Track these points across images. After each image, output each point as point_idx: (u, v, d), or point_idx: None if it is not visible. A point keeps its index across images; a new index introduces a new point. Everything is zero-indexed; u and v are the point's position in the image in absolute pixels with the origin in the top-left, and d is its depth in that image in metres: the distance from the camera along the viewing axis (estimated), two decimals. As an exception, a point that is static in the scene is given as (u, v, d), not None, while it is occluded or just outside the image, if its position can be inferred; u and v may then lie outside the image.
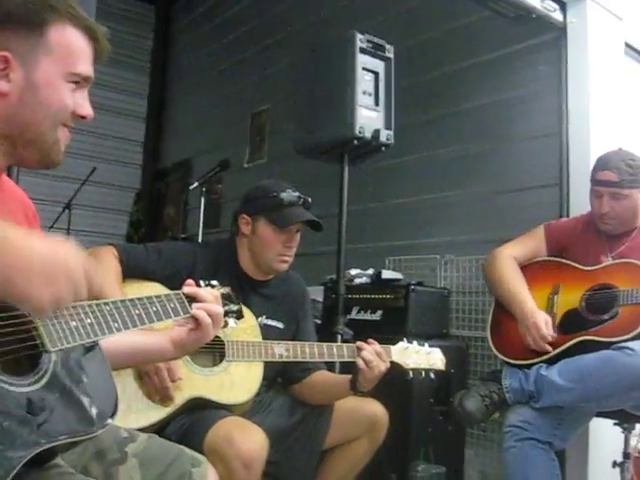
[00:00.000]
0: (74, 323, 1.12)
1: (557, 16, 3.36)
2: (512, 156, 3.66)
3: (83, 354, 1.19)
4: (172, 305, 1.42)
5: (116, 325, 1.23)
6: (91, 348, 1.21)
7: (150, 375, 1.97)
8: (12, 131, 1.21)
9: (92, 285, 1.05)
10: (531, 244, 2.74)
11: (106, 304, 1.23)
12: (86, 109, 1.28)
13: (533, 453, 2.35)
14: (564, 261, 2.63)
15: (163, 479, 1.39)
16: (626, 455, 2.59)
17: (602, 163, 2.59)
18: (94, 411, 1.15)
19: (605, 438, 2.96)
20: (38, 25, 1.20)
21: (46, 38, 1.21)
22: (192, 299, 1.48)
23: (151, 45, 7.76)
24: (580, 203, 3.03)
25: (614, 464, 2.61)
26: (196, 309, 1.47)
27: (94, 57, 1.28)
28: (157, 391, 1.99)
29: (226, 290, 1.65)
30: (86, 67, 1.26)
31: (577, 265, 2.58)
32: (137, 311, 1.30)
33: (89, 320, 1.16)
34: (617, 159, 2.57)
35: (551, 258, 2.69)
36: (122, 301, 1.28)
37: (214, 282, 1.61)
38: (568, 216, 3.15)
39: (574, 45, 3.37)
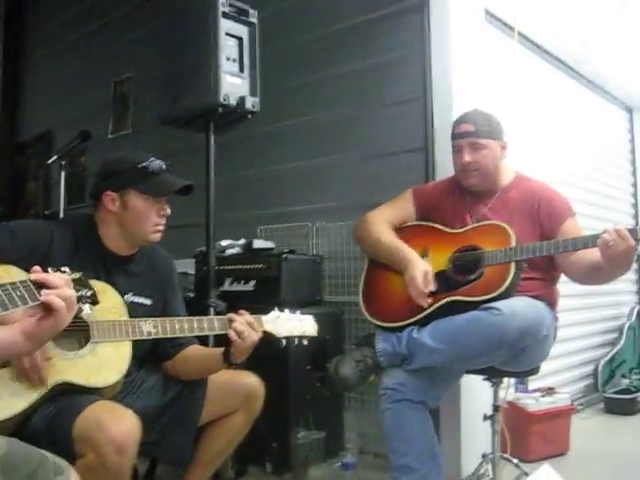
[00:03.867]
0: None
1: (419, -18, 3.41)
2: (380, 121, 3.69)
3: None
4: (19, 293, 1.32)
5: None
6: None
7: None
8: None
9: None
10: (400, 208, 2.78)
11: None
12: None
13: (408, 413, 2.41)
14: (431, 224, 2.69)
15: None
16: (495, 408, 2.71)
17: (460, 119, 2.67)
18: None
19: (475, 393, 3.09)
20: None
21: None
22: (40, 286, 1.38)
23: (2, 13, 7.26)
24: (445, 166, 3.10)
25: (485, 417, 2.73)
26: (45, 295, 1.37)
27: None
28: (27, 372, 1.87)
29: (77, 275, 1.56)
30: None
31: (444, 228, 2.64)
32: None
33: None
34: (473, 113, 2.65)
35: (419, 222, 2.75)
36: None
37: (64, 268, 1.51)
38: (434, 180, 3.23)
39: (436, 11, 3.42)
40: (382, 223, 2.70)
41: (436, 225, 2.67)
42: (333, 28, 3.92)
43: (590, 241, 2.26)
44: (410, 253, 2.55)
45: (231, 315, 2.14)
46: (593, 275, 2.43)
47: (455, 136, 2.64)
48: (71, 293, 1.43)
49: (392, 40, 3.65)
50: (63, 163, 3.78)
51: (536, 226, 2.57)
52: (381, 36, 3.71)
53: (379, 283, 2.66)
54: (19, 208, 6.88)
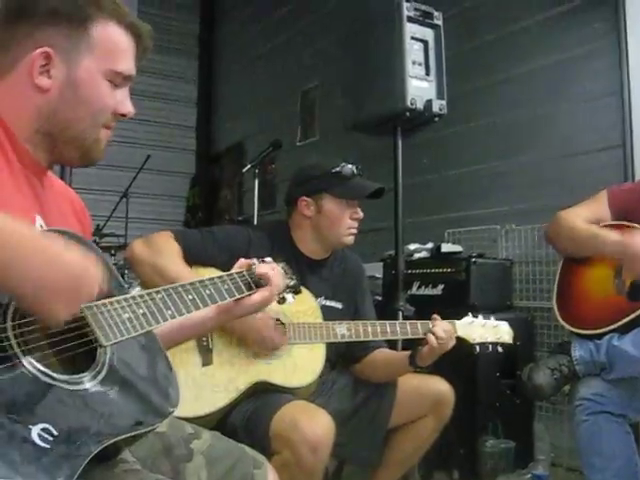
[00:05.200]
0: (127, 315, 1.11)
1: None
2: (571, 119, 3.53)
3: (139, 344, 1.18)
4: (226, 287, 1.42)
5: (169, 312, 1.22)
6: (147, 337, 1.20)
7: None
8: (52, 128, 1.19)
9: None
10: (595, 209, 2.62)
11: (157, 292, 1.21)
12: (127, 107, 1.26)
13: (607, 427, 2.26)
14: (632, 224, 2.51)
15: None
16: None
17: None
18: (156, 401, 1.14)
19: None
20: (82, 21, 1.18)
21: (89, 35, 1.18)
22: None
23: (197, 29, 7.76)
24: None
25: None
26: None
27: (137, 55, 1.25)
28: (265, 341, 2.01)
29: (281, 264, 1.64)
30: (128, 65, 1.23)
31: None
32: (190, 296, 1.29)
33: (141, 310, 1.15)
34: None
35: (618, 222, 2.58)
36: (174, 287, 1.26)
37: (267, 258, 1.59)
38: (633, 179, 3.03)
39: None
40: (578, 218, 2.56)
41: (635, 225, 2.49)
42: (517, 26, 3.80)
43: None
44: (616, 235, 2.36)
45: (435, 316, 2.13)
46: None
47: None
48: (280, 278, 1.56)
49: (583, 33, 3.48)
50: (256, 171, 3.96)
51: None
52: (571, 30, 3.55)
53: (575, 286, 2.52)
54: (213, 215, 7.31)
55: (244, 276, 1.49)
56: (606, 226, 2.56)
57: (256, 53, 6.58)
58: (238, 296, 1.46)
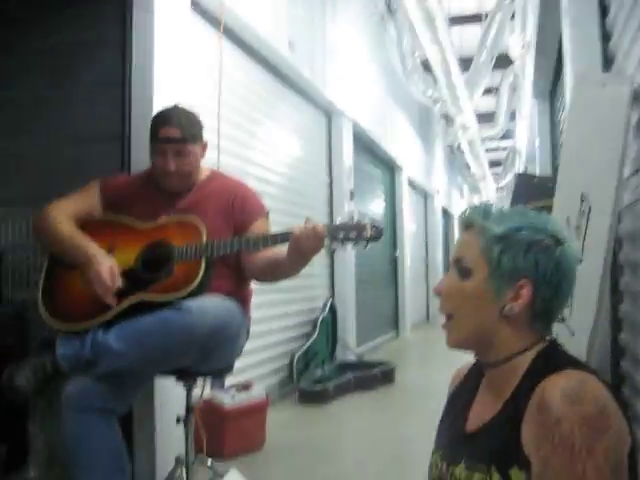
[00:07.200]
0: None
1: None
2: (72, 105, 3.37)
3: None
4: None
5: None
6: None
7: None
8: None
9: None
10: (85, 201, 2.56)
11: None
12: None
13: (93, 423, 2.21)
14: (119, 219, 2.50)
15: None
16: (188, 409, 2.61)
17: (164, 119, 2.51)
18: None
19: (170, 394, 2.98)
20: None
21: None
22: None
23: None
24: (141, 159, 2.94)
25: (177, 420, 2.62)
26: None
27: None
28: None
29: None
30: None
31: (133, 223, 2.47)
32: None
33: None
34: (178, 115, 2.52)
35: (106, 217, 2.55)
36: None
37: None
38: (129, 171, 3.05)
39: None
40: (63, 216, 2.45)
41: (124, 220, 2.49)
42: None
43: (282, 238, 2.26)
44: (93, 248, 2.34)
45: None
46: (270, 272, 2.44)
47: (159, 139, 2.48)
48: None
49: (93, 19, 3.37)
50: None
51: (230, 222, 2.53)
52: (81, 12, 3.39)
53: (61, 281, 2.41)
54: None
55: None
56: (96, 221, 2.52)
57: None
58: None
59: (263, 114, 5.21)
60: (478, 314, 1.27)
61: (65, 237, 2.39)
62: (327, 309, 6.27)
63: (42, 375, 2.25)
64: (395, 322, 10.46)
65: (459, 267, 1.29)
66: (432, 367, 6.98)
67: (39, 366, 2.26)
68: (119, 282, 2.28)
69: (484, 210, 1.30)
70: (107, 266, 2.27)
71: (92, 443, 2.21)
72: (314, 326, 6.02)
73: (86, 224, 2.49)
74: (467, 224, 1.32)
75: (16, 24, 3.47)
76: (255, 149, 5.01)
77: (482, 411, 1.30)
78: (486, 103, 14.68)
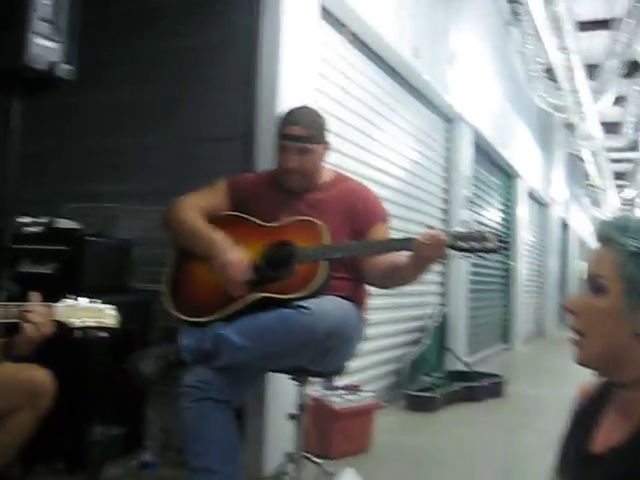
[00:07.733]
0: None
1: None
2: (199, 105, 3.52)
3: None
4: None
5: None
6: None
7: None
8: None
9: None
10: (213, 197, 2.65)
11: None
12: None
13: (210, 413, 2.28)
14: (245, 216, 2.58)
15: None
16: (301, 407, 2.66)
17: (290, 118, 2.58)
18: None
19: (282, 391, 3.04)
20: None
21: None
22: None
23: None
24: (266, 158, 3.02)
25: (290, 416, 2.67)
26: None
27: None
28: None
29: None
30: None
31: (257, 221, 2.54)
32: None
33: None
34: (305, 115, 2.59)
35: (232, 213, 2.63)
36: None
37: None
38: (254, 171, 3.13)
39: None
40: (192, 209, 2.55)
41: (247, 218, 2.56)
42: (164, 2, 3.69)
43: (403, 245, 2.27)
44: (222, 240, 2.41)
45: (34, 295, 1.92)
46: (389, 277, 2.45)
47: (284, 136, 2.55)
48: None
49: (221, 21, 3.49)
50: None
51: (349, 224, 2.56)
52: (211, 16, 3.53)
53: (187, 274, 2.51)
54: None
55: None
56: (221, 217, 2.60)
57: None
58: None
59: (384, 118, 5.22)
60: (610, 333, 1.22)
61: (196, 228, 2.48)
62: (439, 317, 6.20)
63: (165, 364, 2.35)
64: (507, 334, 10.21)
65: (592, 283, 1.25)
66: (544, 383, 6.78)
67: (162, 355, 2.36)
68: (249, 274, 2.35)
69: (622, 224, 1.25)
70: (237, 257, 2.35)
71: (209, 432, 2.28)
72: (423, 333, 5.96)
73: (211, 220, 2.57)
74: (603, 238, 1.27)
75: (148, 26, 3.65)
76: (374, 153, 5.03)
77: (609, 433, 1.25)
78: (611, 112, 14.08)
